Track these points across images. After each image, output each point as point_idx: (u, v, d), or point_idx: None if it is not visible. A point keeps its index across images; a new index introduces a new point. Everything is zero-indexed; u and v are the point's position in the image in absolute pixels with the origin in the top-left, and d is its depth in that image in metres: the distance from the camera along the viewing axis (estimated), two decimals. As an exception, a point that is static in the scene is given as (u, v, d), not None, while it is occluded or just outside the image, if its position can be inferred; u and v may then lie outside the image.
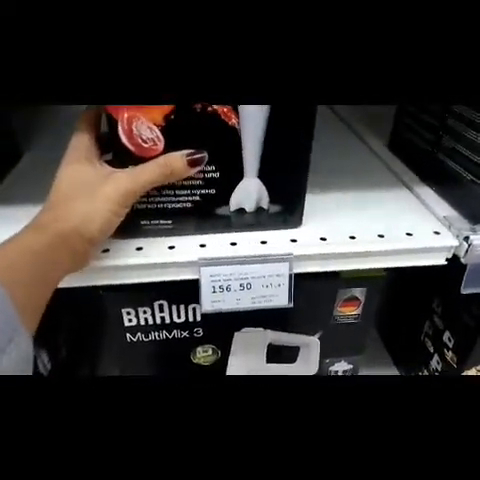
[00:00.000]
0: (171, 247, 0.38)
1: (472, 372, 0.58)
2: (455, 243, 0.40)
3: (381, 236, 0.40)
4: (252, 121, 0.34)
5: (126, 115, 0.32)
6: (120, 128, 0.33)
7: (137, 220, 0.37)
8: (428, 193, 0.47)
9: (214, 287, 0.37)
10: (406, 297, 0.70)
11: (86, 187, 0.32)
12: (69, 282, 0.35)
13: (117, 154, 0.35)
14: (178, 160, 0.34)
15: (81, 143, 0.34)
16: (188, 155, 0.34)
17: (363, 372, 0.66)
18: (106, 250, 0.36)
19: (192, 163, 0.34)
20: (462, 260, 0.40)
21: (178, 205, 0.37)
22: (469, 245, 0.39)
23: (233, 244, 0.39)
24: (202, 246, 0.38)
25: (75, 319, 0.63)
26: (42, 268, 0.29)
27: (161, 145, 0.34)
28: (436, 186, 0.47)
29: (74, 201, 0.32)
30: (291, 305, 0.39)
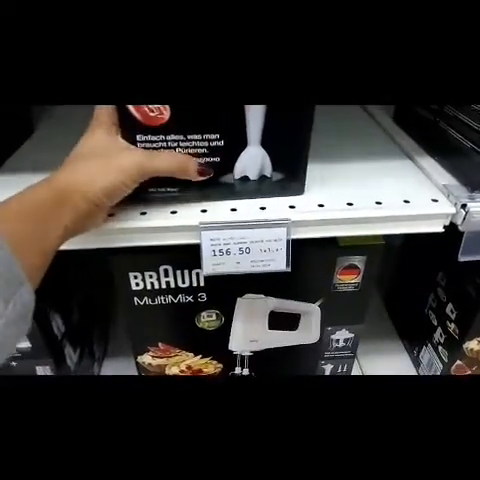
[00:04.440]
0: (173, 212, 0.39)
1: (473, 343, 0.58)
2: (452, 210, 0.40)
3: (379, 203, 0.41)
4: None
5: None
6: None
7: (145, 187, 0.39)
8: (430, 163, 0.47)
9: (214, 251, 0.39)
10: (410, 268, 0.70)
11: (103, 153, 0.34)
12: (74, 244, 0.37)
13: (124, 123, 0.36)
14: (193, 164, 0.37)
15: (104, 116, 0.36)
16: (200, 165, 0.38)
17: (367, 342, 0.68)
18: (111, 214, 0.38)
19: (201, 172, 0.38)
20: (460, 228, 0.41)
21: None
22: (466, 212, 0.40)
23: (233, 210, 0.40)
24: (203, 211, 0.40)
25: (86, 284, 0.66)
26: (42, 220, 0.30)
27: (167, 114, 0.35)
28: (438, 156, 0.47)
29: (86, 162, 0.33)
30: (289, 269, 0.41)
